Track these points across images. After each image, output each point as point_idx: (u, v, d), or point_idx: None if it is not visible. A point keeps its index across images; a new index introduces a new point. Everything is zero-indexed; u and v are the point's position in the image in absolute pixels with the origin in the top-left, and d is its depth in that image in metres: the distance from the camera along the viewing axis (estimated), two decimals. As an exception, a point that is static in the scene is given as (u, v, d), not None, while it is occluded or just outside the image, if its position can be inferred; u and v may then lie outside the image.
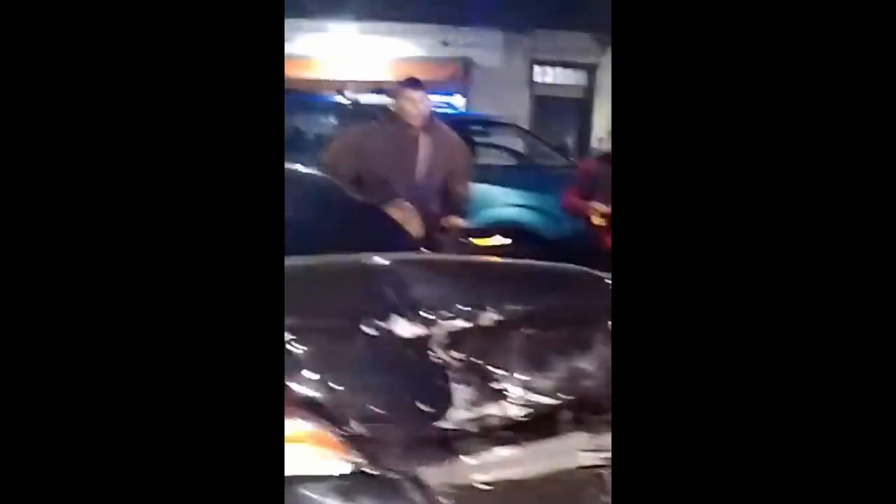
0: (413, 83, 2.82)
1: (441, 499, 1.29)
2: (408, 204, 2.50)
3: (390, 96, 2.87)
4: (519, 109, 10.15)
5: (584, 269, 1.93)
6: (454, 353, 1.48)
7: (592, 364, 1.60)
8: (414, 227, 2.35)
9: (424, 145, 2.71)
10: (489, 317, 1.51)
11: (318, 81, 8.47)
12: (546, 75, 11.16)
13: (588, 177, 2.98)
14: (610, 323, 1.47)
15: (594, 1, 5.78)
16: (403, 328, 1.45)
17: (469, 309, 1.51)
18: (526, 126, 9.00)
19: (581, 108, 10.92)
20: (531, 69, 10.88)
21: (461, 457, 1.39)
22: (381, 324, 1.45)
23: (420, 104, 2.72)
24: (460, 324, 1.50)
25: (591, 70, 10.63)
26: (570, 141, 9.81)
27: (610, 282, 1.64)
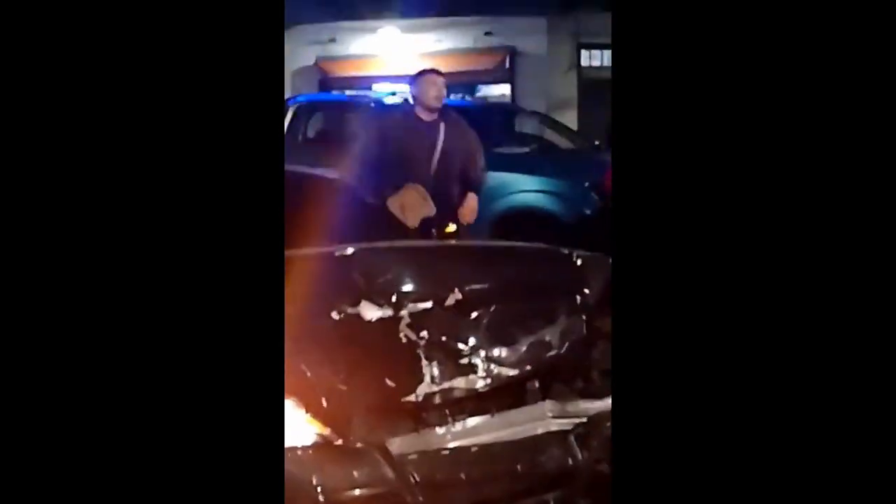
0: (431, 70, 2.93)
1: (408, 467, 1.35)
2: (420, 188, 2.64)
3: (410, 85, 2.97)
4: (567, 94, 10.06)
5: (550, 246, 2.02)
6: (422, 333, 1.56)
7: (556, 336, 1.67)
8: (415, 213, 2.54)
9: (442, 132, 2.80)
10: (454, 297, 1.59)
11: (370, 78, 8.99)
12: (594, 58, 10.81)
13: None
14: (578, 297, 1.64)
15: None
16: (372, 312, 1.55)
17: (436, 288, 1.63)
18: (575, 110, 9.27)
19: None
20: (578, 53, 10.59)
21: (433, 427, 1.47)
22: (351, 309, 1.55)
23: (439, 89, 2.83)
24: (426, 305, 1.60)
25: None
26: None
27: (578, 259, 1.79)
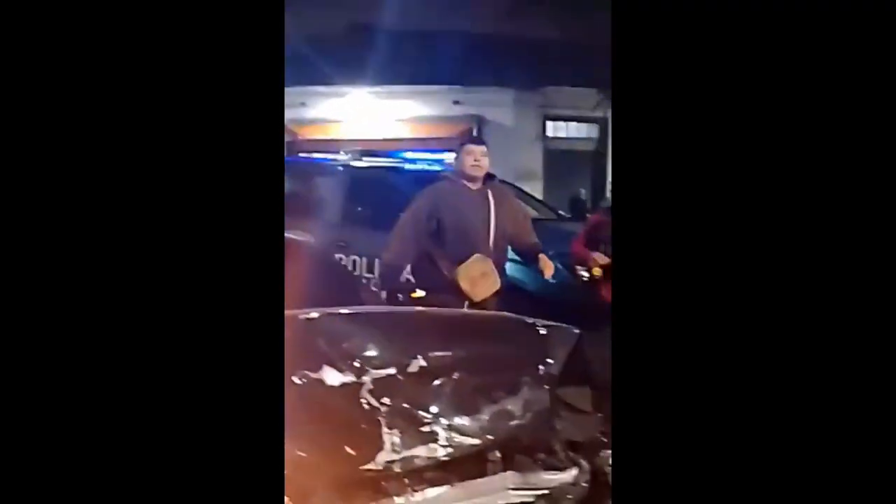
0: (474, 139, 3.51)
1: None
2: (489, 261, 2.63)
3: (454, 152, 3.03)
4: (533, 164, 10.57)
5: (514, 315, 2.03)
6: (384, 399, 1.52)
7: (519, 406, 1.64)
8: (485, 286, 2.55)
9: (492, 201, 2.79)
10: (417, 364, 1.57)
11: (338, 142, 9.11)
12: (559, 130, 11.53)
13: (595, 228, 2.97)
14: (541, 367, 1.63)
15: (599, 57, 5.68)
16: (334, 377, 1.51)
17: (398, 357, 1.60)
18: (540, 181, 9.73)
19: (595, 159, 11.28)
20: (543, 124, 11.26)
21: (392, 497, 1.42)
22: (312, 374, 1.50)
23: (477, 158, 2.76)
24: (389, 371, 1.57)
25: (602, 123, 10.95)
26: (583, 192, 10.19)
27: (541, 328, 1.79)
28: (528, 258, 2.84)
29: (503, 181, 3.03)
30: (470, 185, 2.74)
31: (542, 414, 1.67)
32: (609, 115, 9.36)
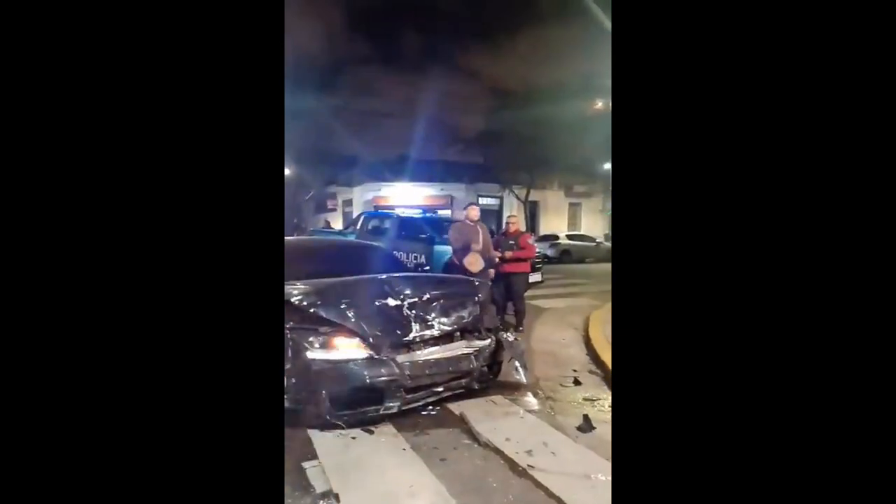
0: (471, 205, 5.09)
1: (405, 367, 2.78)
2: (478, 254, 4.58)
3: (466, 208, 4.99)
4: (475, 217, 22.70)
5: (464, 277, 3.99)
6: (413, 311, 3.03)
7: (466, 314, 3.20)
8: (477, 265, 4.55)
9: (481, 231, 4.78)
10: (426, 296, 3.15)
11: (393, 206, 16.77)
12: (483, 200, 20.15)
13: (504, 236, 5.18)
14: (476, 298, 3.33)
15: (502, 168, 18.90)
16: (392, 301, 3.05)
17: (418, 293, 3.12)
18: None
19: (497, 214, 20.58)
20: (478, 199, 19.61)
21: (414, 351, 2.87)
22: (383, 301, 3.02)
23: (477, 212, 4.90)
24: (414, 300, 3.09)
25: (500, 199, 20.99)
26: (493, 226, 16.17)
27: (476, 282, 3.63)
28: (487, 255, 4.68)
29: (482, 222, 4.93)
30: (470, 222, 4.71)
31: (476, 317, 3.20)
32: (503, 193, 20.62)
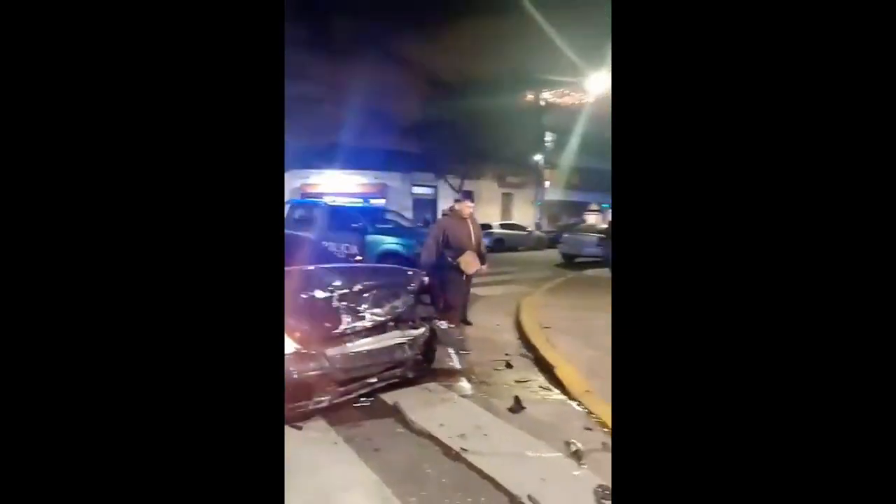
0: (467, 194, 4.40)
1: (335, 361, 2.67)
2: (473, 253, 4.30)
3: (455, 202, 4.56)
4: (407, 204, 19.07)
5: (398, 266, 3.96)
6: (343, 302, 2.95)
7: (400, 304, 3.19)
8: (473, 266, 4.23)
9: (473, 226, 4.39)
10: (358, 286, 3.08)
11: (323, 193, 17.20)
12: (418, 190, 20.99)
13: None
14: (409, 287, 3.30)
15: (437, 158, 18.80)
16: (320, 293, 2.94)
17: (349, 284, 3.05)
18: (409, 212, 17.99)
19: (432, 204, 20.91)
20: (411, 188, 20.75)
21: (345, 343, 2.78)
22: (310, 293, 2.93)
23: (470, 206, 4.43)
24: (345, 291, 3.01)
25: (434, 188, 21.30)
26: (428, 216, 17.62)
27: (409, 272, 3.59)
28: (481, 252, 4.37)
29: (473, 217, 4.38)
30: (462, 217, 4.35)
31: (409, 307, 3.18)
32: (437, 184, 20.65)
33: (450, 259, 4.30)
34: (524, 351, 4.06)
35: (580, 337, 4.17)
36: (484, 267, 4.33)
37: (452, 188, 20.89)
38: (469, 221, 4.54)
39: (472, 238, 4.41)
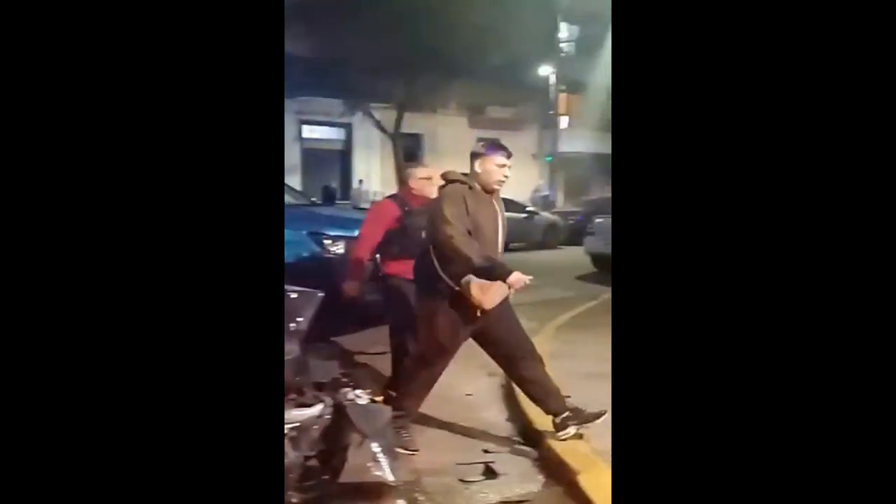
0: (500, 147, 4.08)
1: None
2: (485, 283, 3.79)
3: (475, 156, 4.10)
4: (292, 161, 19.58)
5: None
6: None
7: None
8: (493, 294, 3.86)
9: (499, 212, 4.10)
10: None
11: None
12: (314, 132, 21.46)
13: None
14: (292, 325, 3.28)
15: (349, 60, 17.63)
16: None
17: None
18: (299, 175, 19.02)
19: (342, 157, 21.76)
20: (300, 128, 21.16)
21: None
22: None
23: (505, 171, 4.02)
24: None
25: (348, 128, 21.90)
26: (333, 184, 17.73)
27: (292, 293, 3.47)
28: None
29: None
30: (485, 191, 4.00)
31: (294, 362, 3.12)
32: (353, 120, 21.04)
33: (447, 279, 3.87)
34: (520, 441, 4.12)
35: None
36: (512, 291, 3.95)
37: (381, 128, 21.00)
38: (495, 201, 4.10)
39: (500, 235, 4.05)
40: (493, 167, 4.00)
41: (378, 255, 4.68)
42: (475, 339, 4.00)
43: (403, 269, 4.48)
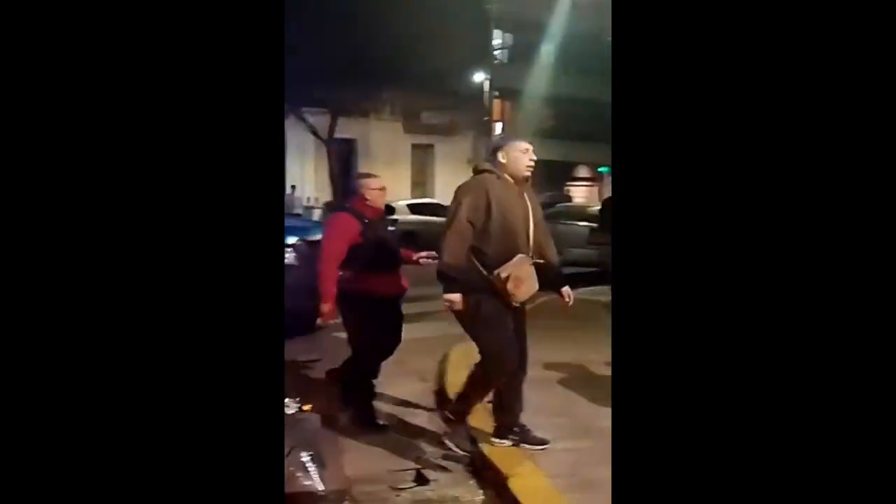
0: (515, 136, 3.90)
1: None
2: (530, 262, 3.89)
3: (497, 148, 4.08)
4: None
5: None
6: None
7: None
8: (527, 288, 3.86)
9: (528, 199, 4.01)
10: None
11: None
12: None
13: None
14: None
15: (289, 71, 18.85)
16: None
17: None
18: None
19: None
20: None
21: None
22: None
23: (529, 159, 3.99)
24: None
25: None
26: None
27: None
28: (547, 255, 4.02)
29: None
30: (514, 182, 3.95)
31: None
32: (285, 124, 18.45)
33: (482, 271, 3.81)
34: (451, 446, 4.11)
35: (561, 415, 4.39)
36: (566, 290, 4.13)
37: (314, 133, 21.44)
38: (525, 192, 4.05)
39: (532, 226, 3.99)
40: (518, 153, 3.99)
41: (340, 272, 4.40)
42: None
43: (369, 285, 4.52)
